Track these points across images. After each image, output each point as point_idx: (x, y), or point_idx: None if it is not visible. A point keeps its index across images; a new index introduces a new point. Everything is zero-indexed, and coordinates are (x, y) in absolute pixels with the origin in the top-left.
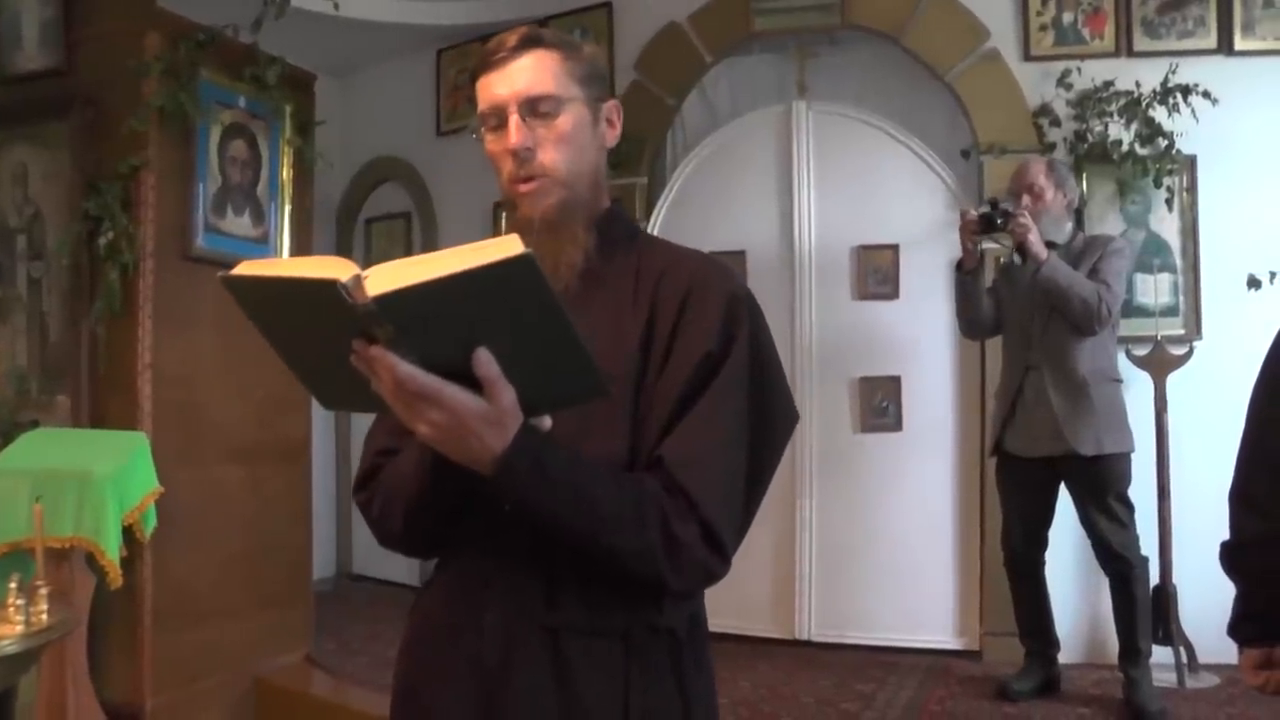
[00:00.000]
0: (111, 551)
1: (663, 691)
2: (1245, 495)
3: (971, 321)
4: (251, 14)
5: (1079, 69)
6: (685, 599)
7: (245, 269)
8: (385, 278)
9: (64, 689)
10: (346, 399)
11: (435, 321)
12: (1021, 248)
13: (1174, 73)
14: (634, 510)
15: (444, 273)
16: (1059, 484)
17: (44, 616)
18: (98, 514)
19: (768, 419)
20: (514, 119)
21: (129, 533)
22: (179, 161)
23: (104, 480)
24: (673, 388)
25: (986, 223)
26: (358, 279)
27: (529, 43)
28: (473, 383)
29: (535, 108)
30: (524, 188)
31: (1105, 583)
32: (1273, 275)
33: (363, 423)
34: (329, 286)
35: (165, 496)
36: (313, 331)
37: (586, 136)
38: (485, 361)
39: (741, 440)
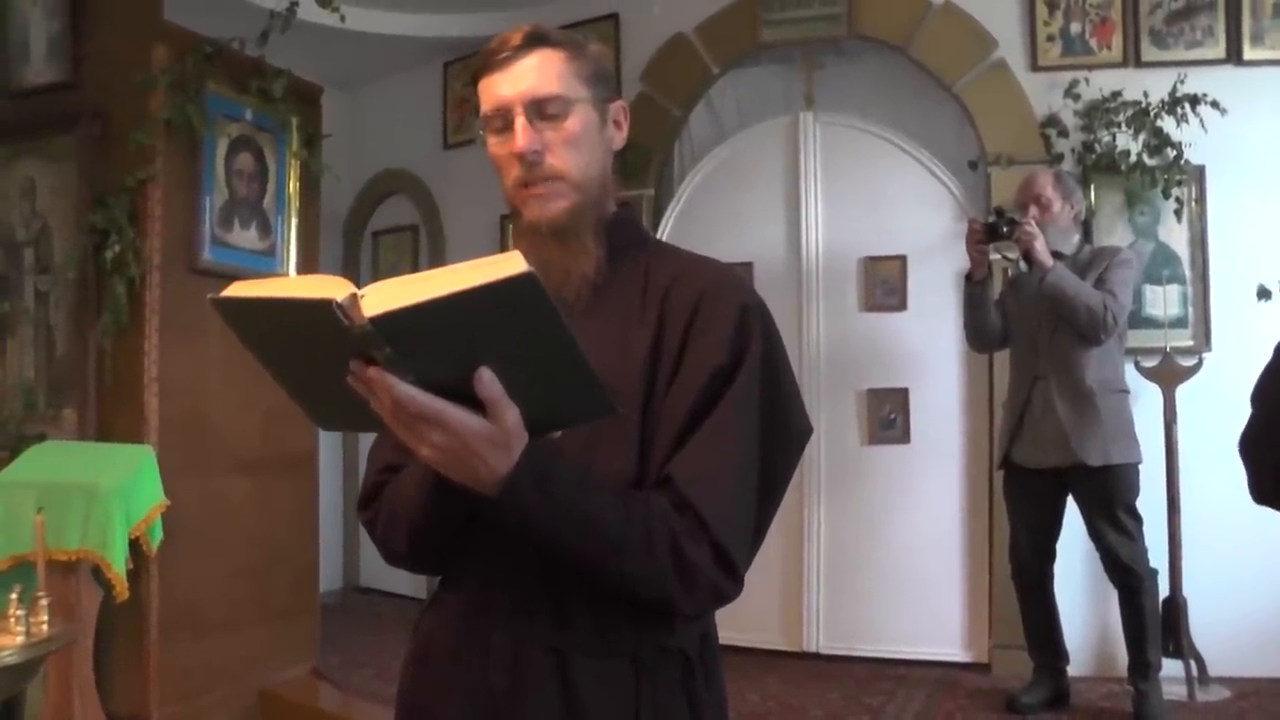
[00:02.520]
0: (118, 564)
1: (673, 712)
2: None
3: (978, 331)
4: (258, 27)
5: (1087, 79)
6: (696, 620)
7: (236, 290)
8: (382, 297)
9: (70, 701)
10: (344, 420)
11: (435, 341)
12: (1028, 256)
13: (1182, 83)
14: (643, 533)
15: (443, 292)
16: (1067, 495)
17: (44, 627)
18: (104, 527)
19: (780, 433)
20: (520, 121)
21: (135, 545)
22: (186, 174)
23: (110, 493)
24: (682, 403)
25: (992, 231)
26: (353, 298)
27: (534, 41)
28: (475, 403)
29: (542, 109)
30: (531, 192)
31: (1114, 595)
32: None
33: (369, 434)
34: (323, 307)
35: (171, 509)
36: (308, 353)
37: (595, 138)
38: (487, 381)
39: (753, 456)
